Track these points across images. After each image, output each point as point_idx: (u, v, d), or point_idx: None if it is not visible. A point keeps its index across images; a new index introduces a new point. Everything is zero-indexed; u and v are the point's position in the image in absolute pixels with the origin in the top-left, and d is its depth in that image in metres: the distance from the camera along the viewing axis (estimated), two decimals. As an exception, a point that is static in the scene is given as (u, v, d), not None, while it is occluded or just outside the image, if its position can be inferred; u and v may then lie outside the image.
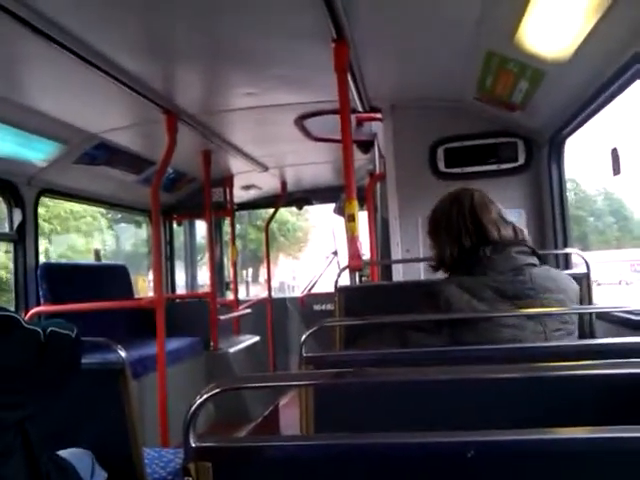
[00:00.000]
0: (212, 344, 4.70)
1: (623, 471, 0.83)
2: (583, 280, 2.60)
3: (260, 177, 5.72)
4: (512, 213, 3.45)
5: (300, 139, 4.30)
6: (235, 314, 5.68)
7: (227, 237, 6.64)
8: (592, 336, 2.48)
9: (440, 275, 2.04)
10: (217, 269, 6.12)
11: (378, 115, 3.81)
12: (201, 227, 6.96)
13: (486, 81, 3.01)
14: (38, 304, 3.90)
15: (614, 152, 2.58)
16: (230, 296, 6.30)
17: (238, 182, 5.88)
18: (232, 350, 4.77)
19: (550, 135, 3.32)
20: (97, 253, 5.95)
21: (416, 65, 3.12)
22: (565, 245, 3.35)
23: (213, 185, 5.18)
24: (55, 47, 2.40)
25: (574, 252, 3.12)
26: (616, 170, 2.58)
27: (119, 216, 16.80)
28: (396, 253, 3.71)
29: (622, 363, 0.87)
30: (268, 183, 6.08)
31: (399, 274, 3.69)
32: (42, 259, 4.19)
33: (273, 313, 6.43)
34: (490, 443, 0.84)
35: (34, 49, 2.46)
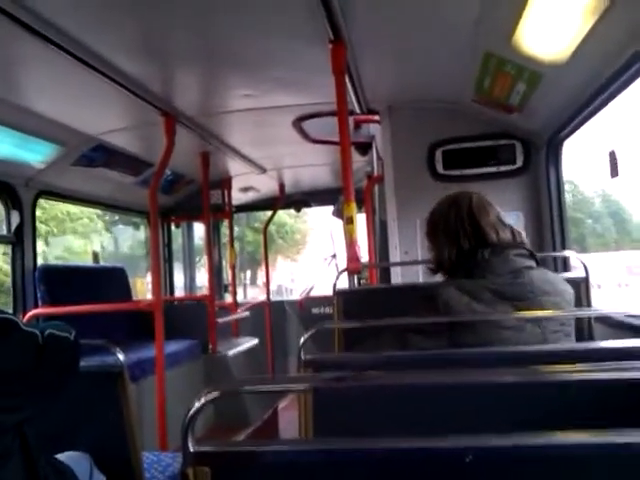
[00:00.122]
0: (211, 347, 4.69)
1: (622, 475, 0.83)
2: (581, 283, 2.60)
3: (258, 179, 5.72)
4: (510, 215, 3.45)
5: (298, 141, 4.29)
6: (234, 317, 5.67)
7: (225, 239, 6.64)
8: (591, 339, 2.48)
9: (439, 278, 2.04)
10: (215, 271, 6.12)
11: (376, 117, 3.81)
12: (199, 229, 6.96)
13: (484, 83, 3.01)
14: (36, 306, 3.90)
15: (612, 155, 2.58)
16: (229, 299, 6.29)
17: (236, 184, 5.88)
18: (231, 353, 4.77)
19: (548, 137, 3.32)
20: (95, 255, 5.96)
21: (414, 67, 3.12)
22: (563, 247, 3.35)
23: (211, 187, 5.17)
24: (53, 49, 2.40)
25: (572, 255, 3.12)
26: (614, 173, 2.58)
27: (116, 218, 16.82)
28: (394, 256, 3.71)
29: (621, 367, 0.87)
30: (266, 185, 6.08)
31: (398, 277, 3.69)
32: (39, 261, 4.17)
33: (272, 316, 6.43)
34: (488, 448, 0.84)
35: (32, 51, 2.46)
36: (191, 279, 6.93)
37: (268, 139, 4.53)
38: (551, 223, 3.41)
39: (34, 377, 1.53)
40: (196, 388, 4.23)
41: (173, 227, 6.41)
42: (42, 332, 1.53)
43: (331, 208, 6.26)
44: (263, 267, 7.18)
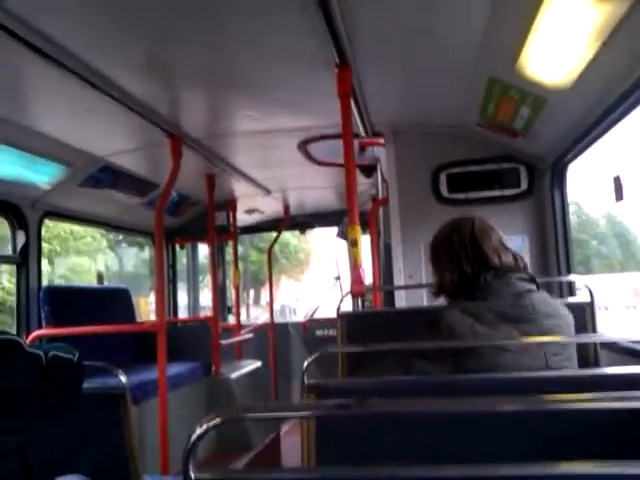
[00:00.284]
0: (213, 369, 4.67)
1: None
2: (587, 308, 2.58)
3: (263, 201, 5.74)
4: (515, 239, 3.46)
5: (303, 163, 4.31)
6: (237, 339, 5.65)
7: (229, 258, 6.64)
8: (596, 365, 2.46)
9: (441, 301, 2.04)
10: (219, 292, 6.11)
11: (381, 140, 3.83)
12: (204, 248, 6.97)
13: (488, 107, 3.02)
14: (40, 327, 3.89)
15: (617, 180, 2.58)
16: (232, 320, 6.27)
17: (241, 206, 5.90)
18: (234, 376, 4.74)
19: (552, 161, 3.32)
20: (100, 276, 5.97)
21: (418, 91, 3.14)
22: (568, 272, 3.34)
23: (216, 208, 5.19)
24: (60, 70, 2.42)
25: (578, 280, 3.11)
26: (619, 197, 2.58)
27: (120, 237, 16.84)
28: (399, 279, 3.70)
29: (628, 396, 0.86)
30: (271, 207, 6.09)
31: (402, 300, 3.68)
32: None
33: (275, 338, 6.40)
34: (493, 478, 0.83)
35: (39, 72, 2.48)
36: (195, 300, 6.92)
37: (273, 161, 4.55)
38: (556, 247, 3.40)
39: (37, 399, 1.52)
40: (198, 411, 4.21)
41: (178, 248, 6.42)
42: (46, 353, 1.53)
43: (335, 230, 6.26)
44: (267, 287, 7.16)
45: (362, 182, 4.61)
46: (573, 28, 2.03)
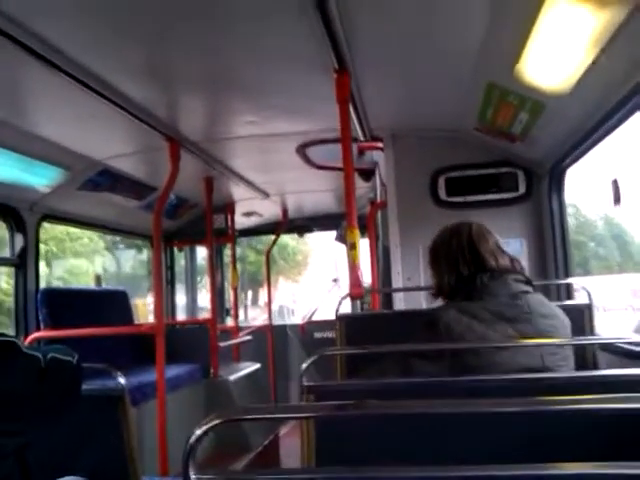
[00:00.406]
0: (212, 371, 4.67)
1: None
2: (585, 310, 2.60)
3: (261, 204, 5.75)
4: (513, 243, 3.47)
5: (301, 167, 4.32)
6: (235, 341, 5.65)
7: (227, 259, 6.64)
8: (595, 367, 2.47)
9: (439, 302, 2.07)
10: (217, 294, 6.11)
11: (379, 144, 3.84)
12: (202, 250, 6.97)
13: (486, 112, 3.03)
14: (38, 329, 3.89)
15: (614, 183, 2.60)
16: (230, 322, 6.27)
17: (239, 209, 5.90)
18: (232, 378, 4.74)
19: (550, 166, 3.34)
20: (98, 278, 5.96)
21: (417, 96, 3.15)
22: (566, 275, 3.35)
23: (215, 211, 5.20)
24: (59, 74, 2.42)
25: (576, 282, 3.12)
26: (617, 201, 2.60)
27: (118, 238, 16.82)
28: (397, 281, 3.71)
29: (626, 397, 0.87)
30: (269, 210, 6.10)
31: (400, 302, 3.69)
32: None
33: (274, 340, 6.40)
34: (491, 478, 0.83)
35: (38, 76, 2.48)
36: (193, 303, 6.92)
37: (272, 165, 4.56)
38: (554, 250, 3.42)
39: (36, 400, 1.53)
40: (197, 413, 4.21)
41: (176, 250, 6.42)
42: (44, 355, 1.54)
43: (334, 233, 6.27)
44: (265, 288, 7.16)
45: (361, 186, 4.62)
46: (572, 34, 2.04)
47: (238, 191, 5.24)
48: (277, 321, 7.18)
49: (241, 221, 6.21)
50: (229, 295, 6.54)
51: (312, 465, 1.43)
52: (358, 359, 2.61)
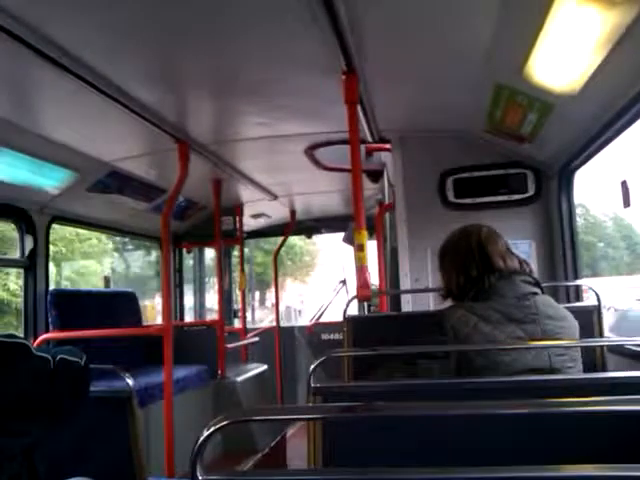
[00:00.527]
0: (220, 372, 4.68)
1: None
2: (594, 312, 2.59)
3: (270, 205, 5.75)
4: (522, 244, 3.46)
5: (310, 168, 4.32)
6: (243, 342, 5.66)
7: (235, 260, 6.66)
8: (604, 369, 2.46)
9: (448, 303, 2.07)
10: (225, 297, 6.12)
11: (388, 145, 3.83)
12: (210, 252, 6.98)
13: (495, 113, 3.03)
14: (47, 330, 3.91)
15: (624, 185, 2.58)
16: (238, 323, 6.28)
17: (248, 210, 5.91)
18: (240, 379, 4.74)
19: (559, 167, 3.32)
20: (107, 279, 5.98)
21: (426, 97, 3.14)
22: (575, 276, 3.34)
23: (223, 213, 5.21)
24: (69, 77, 2.43)
25: (584, 284, 3.11)
26: (626, 202, 2.58)
27: (126, 239, 16.88)
28: (405, 283, 3.70)
29: (635, 400, 0.86)
30: (277, 211, 6.10)
31: (408, 304, 3.68)
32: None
33: (281, 341, 6.40)
34: (499, 479, 0.83)
35: (48, 78, 2.50)
36: (201, 305, 6.94)
37: (280, 166, 4.57)
38: (563, 252, 3.40)
39: (44, 402, 1.53)
40: (204, 414, 4.22)
41: (184, 252, 6.44)
42: (53, 357, 1.54)
43: (342, 235, 6.27)
44: (272, 289, 7.16)
45: (369, 187, 4.62)
46: (580, 35, 2.03)
47: (246, 193, 5.25)
48: (284, 322, 7.18)
49: (249, 223, 6.22)
50: (237, 297, 6.55)
51: (319, 466, 1.43)
52: (366, 361, 2.61)
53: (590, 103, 2.45)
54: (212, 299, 7.34)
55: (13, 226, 3.99)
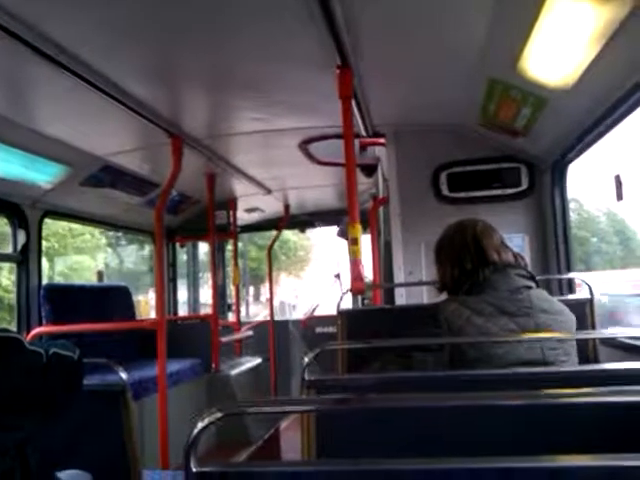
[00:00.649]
0: (213, 366, 4.68)
1: None
2: (586, 305, 2.60)
3: (264, 200, 5.75)
4: (515, 237, 3.47)
5: (304, 162, 4.32)
6: (237, 336, 5.66)
7: (229, 254, 6.66)
8: (596, 361, 2.48)
9: (443, 297, 2.08)
10: (219, 291, 6.12)
11: (382, 140, 3.83)
12: (204, 247, 6.98)
13: (489, 108, 3.03)
14: (40, 324, 3.90)
15: (617, 179, 2.59)
16: (232, 317, 6.29)
17: (242, 205, 5.91)
18: (234, 372, 4.75)
19: (553, 161, 3.33)
20: (100, 274, 5.97)
21: (420, 91, 3.14)
22: (568, 270, 3.35)
23: (217, 208, 5.20)
24: (62, 71, 2.43)
25: (577, 277, 3.12)
26: (619, 196, 2.59)
27: (119, 235, 16.84)
28: (399, 276, 3.71)
29: (627, 390, 0.87)
30: (271, 206, 6.10)
31: (402, 297, 3.69)
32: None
33: (275, 335, 6.41)
34: (492, 470, 0.84)
35: (41, 73, 2.49)
36: (195, 299, 6.93)
37: (274, 161, 4.56)
38: (556, 245, 3.42)
39: (37, 396, 1.53)
40: (198, 407, 4.23)
41: (178, 246, 6.43)
42: (46, 351, 1.54)
43: (336, 229, 6.28)
44: (266, 284, 7.17)
45: (363, 181, 4.62)
46: (574, 30, 2.04)
47: (240, 187, 5.24)
48: (278, 317, 7.19)
49: (243, 217, 6.22)
50: (231, 291, 6.55)
51: (313, 458, 1.44)
52: (359, 354, 2.61)
53: (583, 97, 2.46)
54: (206, 294, 7.34)
55: (5, 221, 3.97)
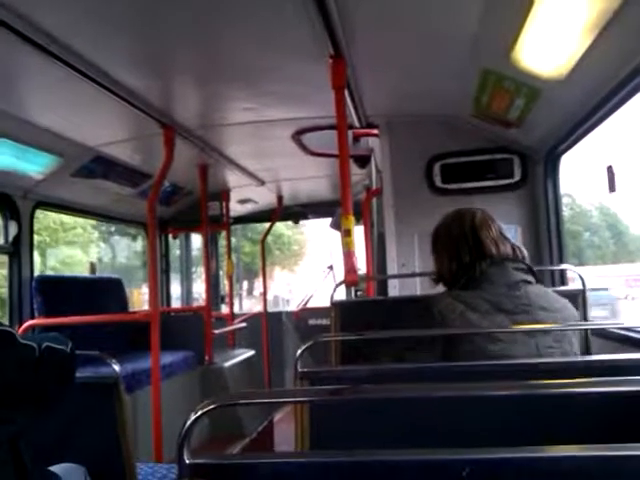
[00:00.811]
0: (207, 358, 4.68)
1: None
2: (579, 296, 2.60)
3: (256, 191, 5.74)
4: (508, 229, 3.46)
5: (297, 153, 4.31)
6: (230, 328, 5.66)
7: (222, 250, 6.65)
8: (588, 353, 2.49)
9: (440, 289, 2.06)
10: (212, 282, 6.12)
11: (375, 131, 3.82)
12: (197, 240, 6.96)
13: (482, 98, 3.03)
14: (32, 317, 3.89)
15: (609, 169, 2.59)
16: (225, 310, 6.29)
17: (234, 196, 5.89)
18: (227, 364, 4.75)
19: (546, 151, 3.33)
20: (92, 266, 5.94)
21: (413, 82, 3.13)
22: (561, 261, 3.36)
23: (209, 199, 5.18)
24: (53, 61, 2.41)
25: (569, 268, 3.13)
26: (612, 187, 2.60)
27: (112, 229, 16.77)
28: (392, 268, 3.71)
29: (618, 381, 0.87)
30: (264, 197, 6.09)
31: (395, 289, 3.69)
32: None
33: (268, 327, 6.42)
34: (485, 461, 0.84)
35: (32, 63, 2.47)
36: (188, 290, 6.92)
37: (267, 152, 4.55)
38: (548, 236, 3.42)
39: (30, 390, 1.52)
40: (192, 399, 4.23)
41: (170, 238, 6.41)
42: (39, 345, 1.53)
43: (329, 220, 6.27)
44: (260, 279, 7.18)
45: (356, 172, 4.61)
46: (568, 19, 2.03)
47: (233, 178, 5.23)
48: (272, 309, 7.20)
49: (236, 208, 6.20)
50: (224, 286, 6.55)
51: (306, 449, 1.44)
52: (353, 345, 2.62)
53: (577, 88, 2.46)
54: (199, 287, 7.34)
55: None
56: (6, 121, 3.13)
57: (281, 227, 21.64)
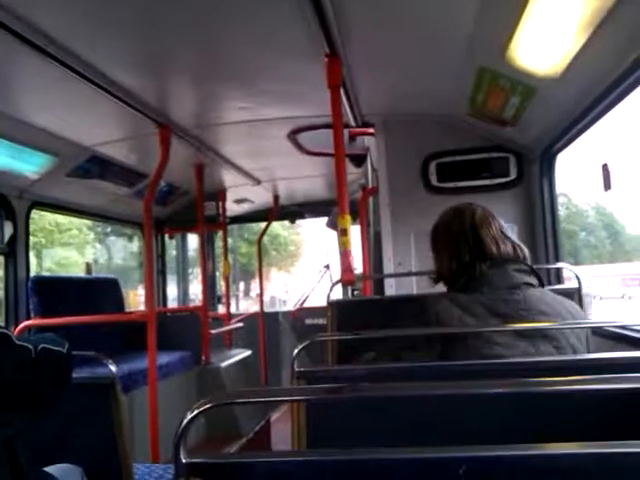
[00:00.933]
0: (203, 358, 4.68)
1: None
2: (575, 295, 2.60)
3: (253, 191, 5.73)
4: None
5: (293, 153, 4.31)
6: (227, 328, 5.66)
7: (219, 250, 6.65)
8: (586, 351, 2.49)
9: (438, 288, 2.03)
10: (209, 283, 6.11)
11: (371, 130, 3.83)
12: (193, 240, 6.96)
13: (478, 97, 3.03)
14: (28, 317, 3.88)
15: (605, 168, 2.60)
16: (222, 310, 6.28)
17: (231, 196, 5.89)
18: (224, 364, 4.75)
19: (541, 150, 3.34)
20: (88, 267, 5.93)
21: (409, 81, 3.13)
22: (557, 260, 3.36)
23: (206, 198, 5.18)
24: (49, 61, 2.41)
25: (565, 267, 3.13)
26: (607, 186, 2.60)
27: (108, 229, 16.75)
28: (388, 267, 3.71)
29: (615, 378, 0.87)
30: (261, 197, 6.09)
31: (391, 288, 3.69)
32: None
33: (265, 327, 6.42)
34: (482, 459, 0.84)
35: (29, 63, 2.47)
36: (184, 290, 6.92)
37: (263, 151, 4.54)
38: (544, 235, 3.42)
39: (26, 391, 1.51)
40: (189, 399, 4.22)
41: (167, 238, 6.41)
42: (35, 346, 1.52)
43: (325, 219, 6.27)
44: (256, 279, 7.18)
45: (352, 172, 4.62)
46: (563, 18, 2.03)
47: (229, 178, 5.22)
48: (269, 309, 7.20)
49: (232, 208, 6.20)
50: (220, 287, 6.55)
51: (303, 448, 1.44)
52: (349, 345, 2.61)
53: (572, 86, 2.46)
54: (196, 288, 7.33)
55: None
56: (1, 121, 3.13)
57: (277, 227, 21.65)
